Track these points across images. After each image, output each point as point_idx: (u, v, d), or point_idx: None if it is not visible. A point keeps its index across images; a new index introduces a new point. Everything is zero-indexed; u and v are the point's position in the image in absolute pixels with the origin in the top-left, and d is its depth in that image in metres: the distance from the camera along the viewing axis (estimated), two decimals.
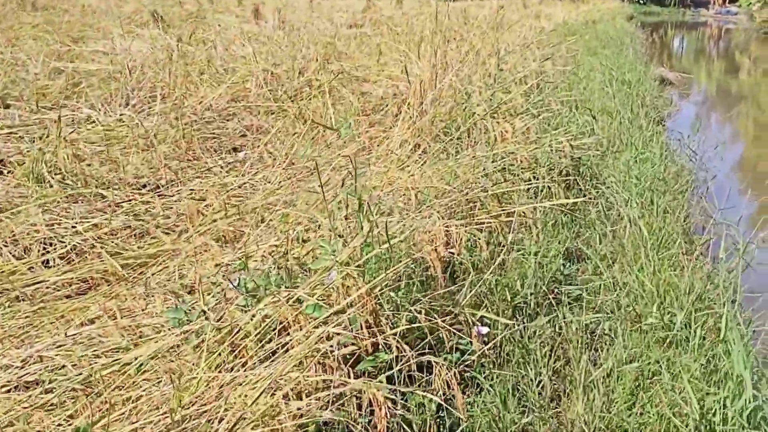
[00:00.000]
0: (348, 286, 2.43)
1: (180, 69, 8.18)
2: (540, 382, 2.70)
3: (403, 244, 3.20)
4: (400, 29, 12.25)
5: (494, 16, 15.67)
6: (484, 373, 2.69)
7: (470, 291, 3.09)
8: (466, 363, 2.67)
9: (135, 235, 4.50)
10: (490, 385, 2.58)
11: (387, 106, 7.02)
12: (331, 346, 2.24)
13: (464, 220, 3.74)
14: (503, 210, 3.88)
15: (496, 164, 4.51)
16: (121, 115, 6.87)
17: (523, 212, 3.86)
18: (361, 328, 2.38)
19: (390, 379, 2.35)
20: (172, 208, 4.90)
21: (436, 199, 3.81)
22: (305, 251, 3.33)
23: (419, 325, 2.45)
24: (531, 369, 2.74)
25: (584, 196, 4.92)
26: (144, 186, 5.32)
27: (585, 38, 14.53)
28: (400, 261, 2.92)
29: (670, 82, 13.16)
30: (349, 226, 3.32)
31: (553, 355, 2.91)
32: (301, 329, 2.42)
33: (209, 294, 3.09)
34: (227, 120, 7.37)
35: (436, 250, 3.38)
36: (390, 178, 3.99)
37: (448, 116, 5.68)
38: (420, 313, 2.52)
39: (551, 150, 4.94)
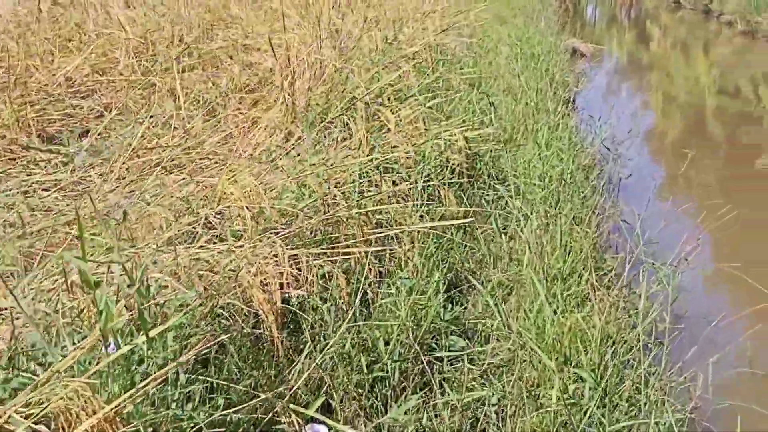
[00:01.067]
0: (74, 410, 1.52)
1: (32, 36, 6.93)
2: None
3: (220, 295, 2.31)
4: None
5: None
6: None
7: (313, 360, 2.23)
8: None
9: None
10: None
11: (274, 79, 6.00)
12: None
13: (320, 247, 2.87)
14: (374, 232, 3.03)
15: (371, 165, 3.64)
16: None
17: (399, 234, 3.02)
18: None
19: None
20: None
21: (284, 220, 2.91)
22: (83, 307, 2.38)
23: None
24: None
25: (480, 197, 4.13)
26: None
27: (495, 5, 13.79)
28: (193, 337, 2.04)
29: (582, 54, 12.62)
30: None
31: None
32: None
33: None
34: (84, 97, 6.19)
35: (270, 299, 2.49)
36: (223, 191, 3.05)
37: (325, 99, 4.76)
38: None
39: (444, 144, 4.12)
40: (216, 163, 4.69)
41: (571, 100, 8.02)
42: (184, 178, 4.00)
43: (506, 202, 3.82)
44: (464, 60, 6.98)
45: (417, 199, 3.46)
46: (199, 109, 5.41)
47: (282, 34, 8.23)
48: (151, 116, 5.32)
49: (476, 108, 4.98)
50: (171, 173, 4.51)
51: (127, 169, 4.49)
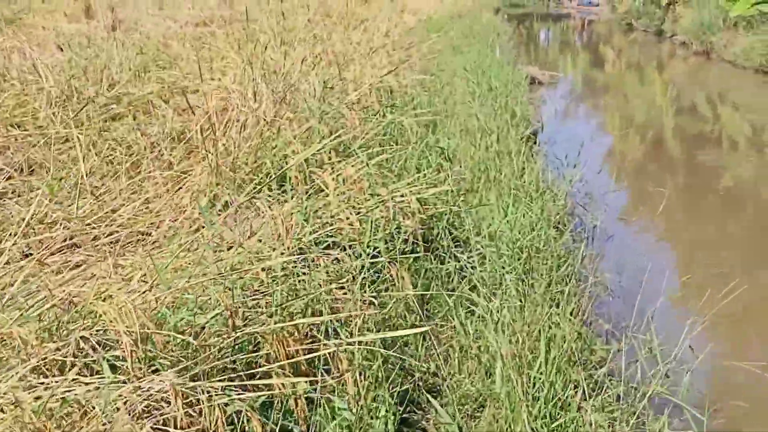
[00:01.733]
0: None
1: None
2: None
3: None
4: (255, 27, 10.38)
5: (351, 11, 14.22)
6: None
7: None
8: None
9: None
10: None
11: (212, 125, 5.30)
12: None
13: (228, 375, 2.17)
14: (303, 347, 2.34)
15: (303, 243, 2.97)
16: None
17: (339, 350, 2.33)
18: None
19: None
20: None
21: (180, 339, 2.21)
22: None
23: None
24: None
25: (440, 272, 3.47)
26: None
27: (450, 35, 13.35)
28: None
29: (539, 82, 12.22)
30: None
31: None
32: None
33: None
34: None
35: None
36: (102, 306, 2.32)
37: (254, 158, 4.09)
38: None
39: (394, 209, 3.47)
40: (131, 237, 4.00)
41: (534, 134, 7.49)
42: (77, 266, 3.28)
43: (470, 282, 3.17)
44: (417, 98, 6.38)
45: (360, 287, 2.79)
46: (122, 165, 4.72)
47: (219, 75, 7.59)
48: (60, 179, 4.61)
49: (431, 159, 4.36)
50: (75, 252, 3.80)
51: (28, 246, 3.78)
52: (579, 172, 5.02)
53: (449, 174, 3.87)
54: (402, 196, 3.62)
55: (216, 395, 2.06)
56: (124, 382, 2.08)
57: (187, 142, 5.37)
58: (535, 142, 7.47)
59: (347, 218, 3.33)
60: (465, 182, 4.58)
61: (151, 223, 4.10)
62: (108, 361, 2.15)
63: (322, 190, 3.83)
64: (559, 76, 14.06)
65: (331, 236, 3.28)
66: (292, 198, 3.55)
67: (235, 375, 2.16)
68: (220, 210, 4.05)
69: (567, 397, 2.44)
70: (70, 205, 4.21)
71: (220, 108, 5.38)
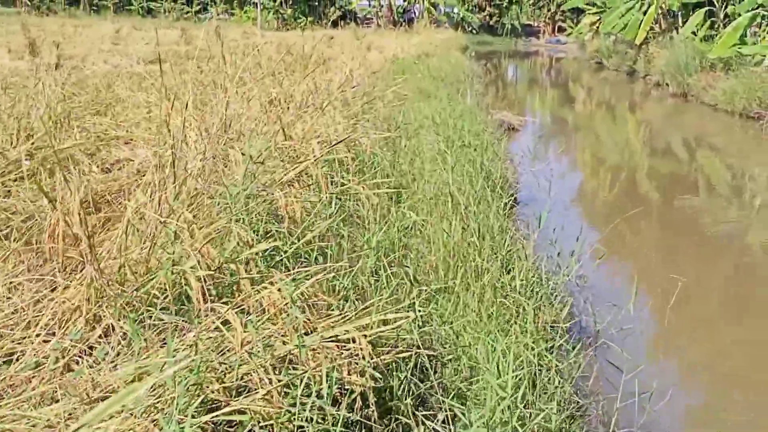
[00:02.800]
0: None
1: None
2: None
3: None
4: (210, 66, 9.21)
5: (314, 51, 13.24)
6: None
7: None
8: None
9: None
10: None
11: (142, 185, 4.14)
12: None
13: None
14: None
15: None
16: None
17: None
18: None
19: None
20: None
21: None
22: None
23: None
24: None
25: None
26: None
27: (417, 76, 12.40)
28: None
29: (513, 128, 11.31)
30: None
31: None
32: None
33: None
34: None
35: None
36: None
37: (146, 269, 2.94)
38: None
39: (335, 362, 2.34)
40: None
41: (514, 198, 6.45)
42: None
43: None
44: (378, 160, 5.29)
45: None
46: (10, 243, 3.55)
47: (156, 124, 6.43)
48: None
49: (391, 257, 3.26)
50: None
51: None
52: (576, 263, 3.98)
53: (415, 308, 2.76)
54: (346, 332, 2.51)
55: None
56: None
57: (109, 204, 4.29)
58: (515, 203, 6.48)
59: (260, 380, 2.20)
60: (436, 270, 3.52)
61: (20, 340, 2.96)
62: None
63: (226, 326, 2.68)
64: (534, 120, 13.19)
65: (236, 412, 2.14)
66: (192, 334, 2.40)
67: None
68: (99, 337, 2.94)
69: None
70: None
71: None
